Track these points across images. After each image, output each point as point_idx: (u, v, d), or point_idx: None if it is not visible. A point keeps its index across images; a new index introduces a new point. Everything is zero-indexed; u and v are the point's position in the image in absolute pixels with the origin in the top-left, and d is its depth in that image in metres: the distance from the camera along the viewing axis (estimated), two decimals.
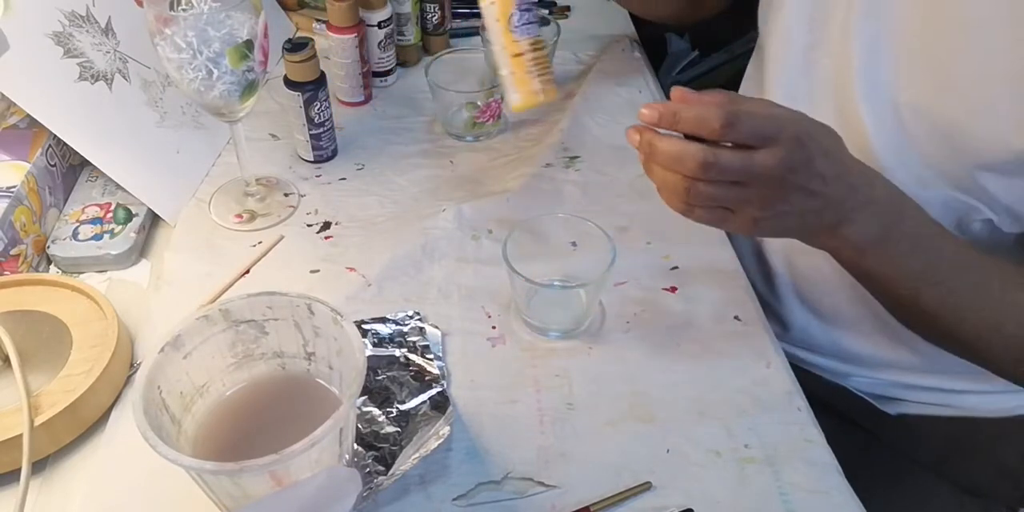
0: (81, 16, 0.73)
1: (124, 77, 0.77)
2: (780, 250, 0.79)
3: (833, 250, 0.59)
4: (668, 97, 0.77)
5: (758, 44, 0.79)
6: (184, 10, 0.65)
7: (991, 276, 0.60)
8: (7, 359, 0.60)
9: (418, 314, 0.68)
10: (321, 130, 0.82)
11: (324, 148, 0.84)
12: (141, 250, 0.75)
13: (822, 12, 0.66)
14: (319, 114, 0.80)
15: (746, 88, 0.83)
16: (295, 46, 0.76)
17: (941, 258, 0.58)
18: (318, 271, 0.73)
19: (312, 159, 0.84)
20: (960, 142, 0.60)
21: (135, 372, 0.63)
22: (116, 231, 0.74)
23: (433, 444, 0.57)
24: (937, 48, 0.59)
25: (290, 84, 0.78)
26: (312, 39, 0.77)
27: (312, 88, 0.78)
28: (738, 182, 0.52)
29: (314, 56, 0.77)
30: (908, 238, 0.57)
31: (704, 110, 0.50)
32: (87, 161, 0.73)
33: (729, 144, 0.51)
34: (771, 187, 0.52)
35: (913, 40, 0.60)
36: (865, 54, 0.63)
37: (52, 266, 0.74)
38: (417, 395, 0.61)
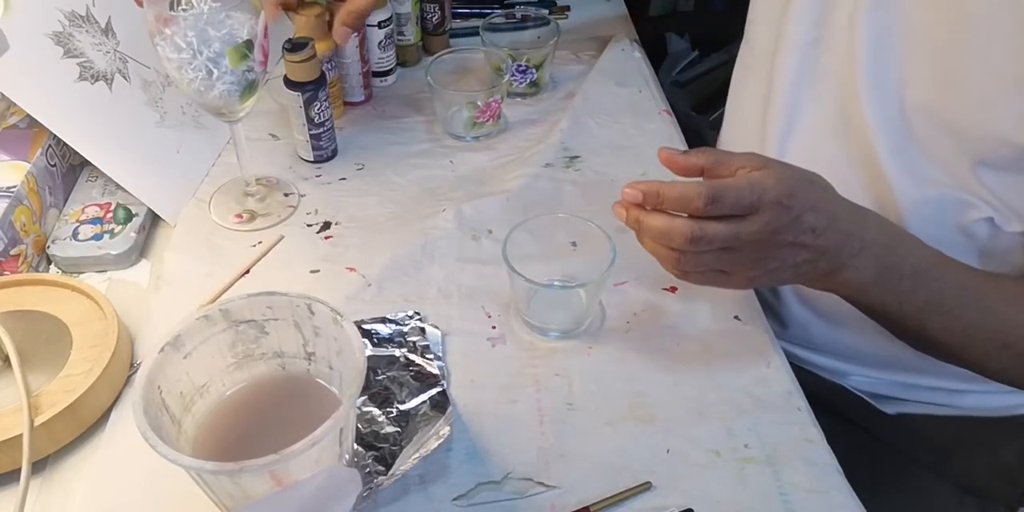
0: (81, 16, 0.73)
1: (124, 77, 0.77)
2: None
3: (835, 292, 0.61)
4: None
5: (744, 40, 0.79)
6: (184, 10, 0.65)
7: (996, 297, 0.60)
8: (7, 359, 0.60)
9: (418, 314, 0.68)
10: (321, 130, 0.82)
11: (324, 148, 0.84)
12: (141, 250, 0.75)
13: (827, 7, 0.66)
14: (319, 114, 0.80)
15: (734, 89, 0.83)
16: (295, 46, 0.76)
17: (944, 288, 0.59)
18: (318, 271, 0.73)
19: (312, 159, 0.84)
20: (964, 138, 0.60)
21: (135, 372, 0.63)
22: (116, 231, 0.74)
23: (433, 444, 0.57)
24: (945, 41, 0.59)
25: (290, 84, 0.78)
26: (312, 39, 0.77)
27: (312, 88, 0.78)
28: (727, 248, 0.54)
29: (314, 56, 0.77)
30: (909, 275, 0.58)
31: (686, 189, 0.52)
32: (87, 161, 0.73)
33: None
34: (760, 249, 0.54)
35: (922, 33, 0.60)
36: (871, 50, 0.63)
37: (52, 266, 0.74)
38: (417, 395, 0.61)
